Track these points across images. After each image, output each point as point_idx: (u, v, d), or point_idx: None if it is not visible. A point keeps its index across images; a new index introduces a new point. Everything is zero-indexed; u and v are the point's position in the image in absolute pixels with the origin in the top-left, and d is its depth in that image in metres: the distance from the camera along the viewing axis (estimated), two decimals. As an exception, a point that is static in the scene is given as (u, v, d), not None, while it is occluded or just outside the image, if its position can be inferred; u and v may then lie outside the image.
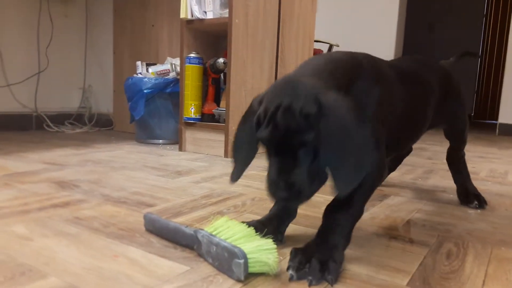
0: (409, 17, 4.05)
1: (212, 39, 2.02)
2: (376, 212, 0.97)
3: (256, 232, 0.66)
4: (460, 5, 5.99)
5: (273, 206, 0.78)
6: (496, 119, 3.89)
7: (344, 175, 0.57)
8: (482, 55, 6.13)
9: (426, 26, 6.14)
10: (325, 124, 0.56)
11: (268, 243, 0.61)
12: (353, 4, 3.80)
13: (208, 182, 1.24)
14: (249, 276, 0.59)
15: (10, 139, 2.09)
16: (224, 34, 1.78)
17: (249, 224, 0.70)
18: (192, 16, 1.81)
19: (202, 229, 0.67)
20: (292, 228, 0.81)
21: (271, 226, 0.73)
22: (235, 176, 0.69)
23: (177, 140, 2.11)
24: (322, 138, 0.57)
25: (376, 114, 0.70)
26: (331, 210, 0.66)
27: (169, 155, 1.76)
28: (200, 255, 0.66)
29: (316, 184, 0.60)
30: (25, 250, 0.66)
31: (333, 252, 0.61)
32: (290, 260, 0.61)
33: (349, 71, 0.68)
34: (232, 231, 0.65)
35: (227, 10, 1.71)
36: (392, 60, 0.92)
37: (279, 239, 0.73)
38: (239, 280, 0.58)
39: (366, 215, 0.93)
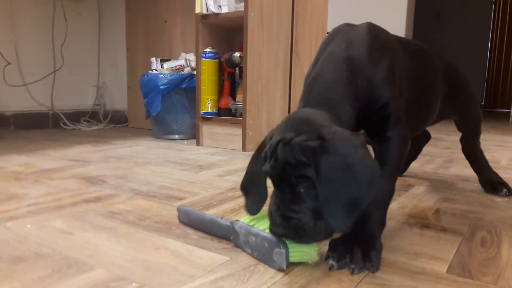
0: (417, 7, 4.00)
1: (226, 34, 2.02)
2: (404, 202, 0.97)
3: None
4: (469, -7, 5.92)
5: None
6: (509, 107, 3.86)
7: (337, 214, 0.54)
8: (492, 42, 6.05)
9: (434, 15, 6.07)
10: (325, 160, 0.55)
11: None
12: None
13: (231, 176, 1.25)
14: (290, 265, 0.60)
15: (30, 138, 2.12)
16: (239, 28, 1.79)
17: None
18: (207, 10, 1.82)
19: (238, 220, 0.68)
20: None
21: None
22: (254, 209, 0.67)
23: (193, 135, 2.13)
24: (320, 174, 0.55)
25: (394, 89, 0.70)
26: None
27: (188, 150, 1.77)
28: (237, 245, 0.68)
29: (321, 222, 0.57)
30: (68, 244, 0.68)
31: (373, 240, 0.62)
32: (330, 250, 0.61)
33: (352, 70, 0.68)
34: (269, 222, 0.65)
35: (242, 4, 1.72)
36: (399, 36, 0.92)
37: None
38: (280, 270, 0.59)
39: (394, 205, 0.94)
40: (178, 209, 0.81)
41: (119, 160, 1.49)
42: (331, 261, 0.60)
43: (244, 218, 0.69)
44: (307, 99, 0.67)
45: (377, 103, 0.68)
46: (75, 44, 2.76)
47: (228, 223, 0.69)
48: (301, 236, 0.58)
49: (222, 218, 0.73)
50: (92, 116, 2.90)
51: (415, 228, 0.79)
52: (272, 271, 0.59)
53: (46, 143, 1.92)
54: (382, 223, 0.65)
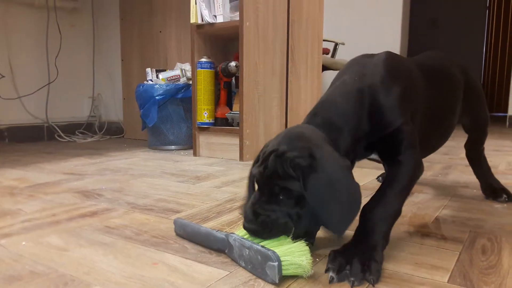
0: (413, 14, 4.04)
1: (222, 43, 2.02)
2: (403, 210, 0.95)
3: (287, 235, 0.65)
4: (461, 1, 5.97)
5: None
6: (506, 111, 3.87)
7: (334, 221, 0.60)
8: (486, 47, 6.09)
9: (430, 22, 6.12)
10: (314, 179, 0.59)
11: (300, 245, 0.61)
12: (357, 2, 3.80)
13: (229, 186, 1.24)
14: (286, 279, 0.59)
15: (25, 151, 2.10)
16: (234, 38, 1.79)
17: None
18: (203, 20, 1.82)
19: (233, 233, 0.68)
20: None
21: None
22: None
23: (189, 145, 2.12)
24: (310, 190, 0.60)
25: (405, 115, 0.71)
26: (368, 211, 0.66)
27: (185, 161, 1.76)
28: (232, 258, 0.67)
29: (291, 227, 0.63)
30: (63, 261, 0.67)
31: (373, 252, 0.61)
32: (330, 262, 0.61)
33: (362, 101, 0.70)
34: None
35: (237, 13, 1.72)
36: (415, 58, 0.93)
37: (311, 242, 0.73)
38: (273, 283, 0.58)
39: (393, 213, 0.93)
40: (175, 222, 0.81)
41: (115, 172, 1.48)
42: (331, 273, 0.59)
43: (239, 231, 0.69)
44: (310, 118, 0.71)
45: (388, 129, 0.70)
46: (69, 56, 2.75)
47: (223, 236, 0.68)
48: (269, 231, 0.62)
49: (217, 230, 0.72)
50: (87, 128, 2.89)
51: (415, 237, 0.78)
52: (272, 285, 0.58)
53: (40, 156, 1.91)
54: (386, 237, 0.65)
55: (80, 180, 1.34)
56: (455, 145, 2.08)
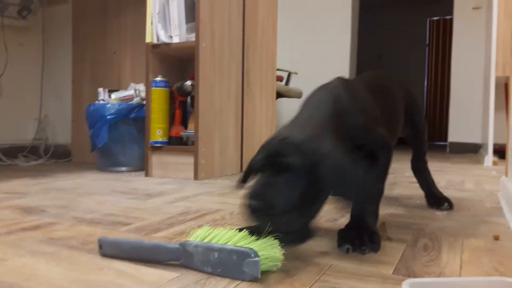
0: (360, 49, 4.29)
1: (177, 64, 2.04)
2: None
3: (252, 234, 0.65)
4: (404, 37, 6.41)
5: None
6: (446, 140, 4.13)
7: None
8: (428, 81, 6.53)
9: (375, 56, 6.50)
10: (324, 169, 0.64)
11: (270, 239, 0.62)
12: (310, 35, 3.99)
13: (182, 201, 1.23)
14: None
15: (-38, 172, 1.96)
16: (190, 58, 1.81)
17: (243, 229, 0.69)
18: (158, 40, 1.83)
19: (190, 241, 0.64)
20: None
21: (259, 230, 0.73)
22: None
23: (141, 167, 2.07)
24: (324, 180, 0.65)
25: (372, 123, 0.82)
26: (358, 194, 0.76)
27: (136, 181, 1.72)
28: (190, 267, 0.63)
29: (293, 209, 0.65)
30: (1, 269, 0.63)
31: (372, 228, 0.74)
32: (341, 238, 0.73)
33: (334, 111, 0.77)
34: (226, 236, 0.64)
35: (194, 35, 1.75)
36: (362, 78, 1.02)
37: (309, 236, 0.75)
38: (253, 279, 0.58)
39: (343, 221, 0.96)
40: (101, 241, 0.70)
41: (60, 191, 1.41)
42: (346, 246, 0.71)
43: (192, 238, 0.66)
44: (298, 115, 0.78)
45: (365, 138, 0.79)
46: (15, 75, 2.65)
47: (177, 246, 0.64)
48: (268, 213, 0.63)
49: (166, 242, 0.69)
50: (31, 151, 2.76)
51: (363, 240, 0.81)
52: (224, 282, 0.58)
53: (-20, 177, 1.79)
54: (376, 213, 0.79)
55: (22, 198, 1.27)
56: (401, 166, 2.18)
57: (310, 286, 0.57)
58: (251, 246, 0.59)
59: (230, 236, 0.63)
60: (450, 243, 0.78)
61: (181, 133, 1.83)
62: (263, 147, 0.69)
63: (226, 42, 1.90)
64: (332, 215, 1.04)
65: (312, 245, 0.77)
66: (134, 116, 2.04)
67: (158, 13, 1.81)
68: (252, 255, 0.57)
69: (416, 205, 1.17)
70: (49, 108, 2.82)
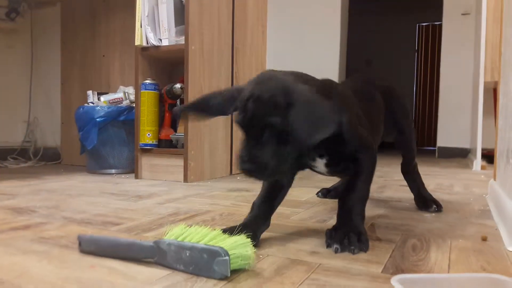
0: (349, 53, 4.33)
1: (167, 66, 2.04)
2: (341, 219, 1.01)
3: (232, 235, 0.66)
4: (393, 42, 6.49)
5: (248, 213, 0.81)
6: (434, 145, 4.17)
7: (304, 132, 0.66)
8: (417, 87, 6.61)
9: (365, 61, 6.56)
10: (295, 112, 0.65)
11: (243, 238, 0.63)
12: (299, 40, 4.02)
13: (172, 203, 1.23)
14: (232, 273, 0.60)
15: None
16: (180, 61, 1.81)
17: (225, 230, 0.71)
18: (148, 43, 1.83)
19: (163, 239, 0.65)
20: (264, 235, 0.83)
21: (248, 230, 0.73)
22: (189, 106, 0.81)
23: (131, 170, 2.06)
24: (292, 122, 0.65)
25: (356, 118, 0.83)
26: (344, 197, 0.80)
27: (126, 183, 1.72)
28: (164, 265, 0.63)
29: (281, 163, 0.69)
30: (-9, 267, 0.63)
31: (359, 227, 0.76)
32: (329, 238, 0.75)
33: (327, 87, 0.81)
34: (199, 235, 0.64)
35: (183, 38, 1.76)
36: (347, 82, 1.03)
37: (255, 243, 0.74)
38: (223, 278, 0.58)
39: (332, 222, 0.97)
40: (80, 238, 0.72)
41: (50, 192, 1.40)
42: (335, 245, 0.72)
43: (168, 236, 0.66)
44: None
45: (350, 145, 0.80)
46: (4, 78, 2.62)
47: (151, 244, 0.65)
48: (263, 172, 0.68)
49: (141, 240, 0.69)
50: (20, 153, 2.73)
51: (352, 239, 0.82)
52: (214, 280, 0.59)
53: (-33, 179, 1.77)
54: (363, 214, 0.79)
55: (11, 199, 1.26)
56: (390, 170, 2.21)
57: (300, 284, 0.58)
58: (224, 244, 0.60)
59: (203, 235, 0.64)
60: (439, 244, 0.80)
61: (170, 135, 1.83)
62: (242, 105, 0.69)
63: (215, 45, 1.90)
64: (322, 216, 1.05)
65: (302, 244, 0.78)
66: (124, 119, 2.03)
67: (147, 16, 1.81)
68: (222, 254, 0.58)
69: (405, 207, 1.19)
70: (38, 110, 2.80)
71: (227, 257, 0.58)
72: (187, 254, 0.61)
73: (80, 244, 0.71)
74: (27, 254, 0.69)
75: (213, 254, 0.59)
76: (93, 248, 0.71)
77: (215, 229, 0.67)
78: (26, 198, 1.28)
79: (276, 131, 0.67)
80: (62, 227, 0.90)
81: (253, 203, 0.83)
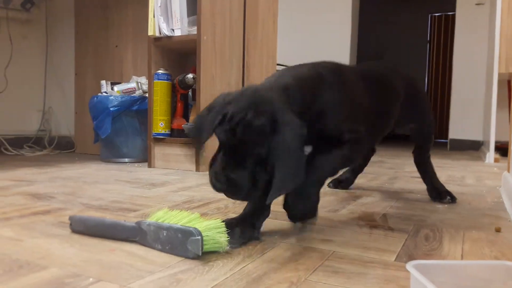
0: (360, 44, 4.30)
1: (179, 57, 2.05)
2: (353, 209, 1.02)
3: (228, 228, 0.67)
4: (405, 33, 6.41)
5: (247, 205, 0.80)
6: (446, 137, 4.14)
7: (281, 180, 0.66)
8: (428, 78, 6.54)
9: (376, 52, 6.50)
10: (276, 141, 0.66)
11: (217, 222, 0.66)
12: (310, 31, 4.00)
13: (186, 191, 1.25)
14: (206, 254, 0.62)
15: (-34, 162, 1.98)
16: (192, 52, 1.82)
17: (224, 221, 0.70)
18: (160, 33, 1.85)
19: (144, 220, 0.69)
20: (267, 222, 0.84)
21: (246, 223, 0.74)
22: (199, 144, 0.78)
23: (144, 159, 2.09)
24: (272, 150, 0.66)
25: (349, 109, 0.82)
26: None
27: (139, 171, 1.74)
28: (144, 245, 0.67)
29: (256, 188, 0.68)
30: (17, 249, 0.65)
31: (311, 196, 0.78)
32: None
33: (313, 87, 0.79)
34: (178, 217, 0.68)
35: (195, 28, 1.76)
36: (362, 65, 1.01)
37: (256, 235, 0.75)
38: (195, 256, 0.61)
39: (344, 212, 0.98)
40: (71, 218, 0.77)
41: (66, 180, 1.44)
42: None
43: (150, 218, 0.70)
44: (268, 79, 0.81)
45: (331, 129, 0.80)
46: (20, 67, 2.66)
47: (134, 224, 0.70)
48: (238, 194, 0.68)
49: (124, 221, 0.72)
50: (36, 142, 2.77)
51: (365, 228, 0.83)
52: (231, 264, 0.60)
53: (-15, 166, 1.81)
54: (318, 185, 0.79)
55: (30, 185, 1.29)
56: (401, 162, 2.20)
57: (314, 271, 0.59)
58: (198, 226, 0.63)
59: (182, 217, 0.68)
60: (451, 234, 0.80)
61: (182, 125, 1.85)
62: (230, 123, 0.67)
63: (227, 35, 1.91)
64: (333, 206, 1.06)
65: (315, 233, 0.79)
66: (137, 108, 2.06)
67: (160, 6, 1.82)
68: (195, 234, 0.61)
69: (417, 198, 1.20)
70: (53, 100, 2.84)
71: (199, 237, 0.61)
72: (164, 234, 0.65)
73: (70, 224, 0.76)
74: (49, 237, 0.72)
75: (187, 234, 0.62)
76: (82, 228, 0.75)
77: (193, 213, 0.70)
78: (43, 184, 1.31)
79: (259, 159, 0.67)
80: (80, 213, 0.92)
81: None
